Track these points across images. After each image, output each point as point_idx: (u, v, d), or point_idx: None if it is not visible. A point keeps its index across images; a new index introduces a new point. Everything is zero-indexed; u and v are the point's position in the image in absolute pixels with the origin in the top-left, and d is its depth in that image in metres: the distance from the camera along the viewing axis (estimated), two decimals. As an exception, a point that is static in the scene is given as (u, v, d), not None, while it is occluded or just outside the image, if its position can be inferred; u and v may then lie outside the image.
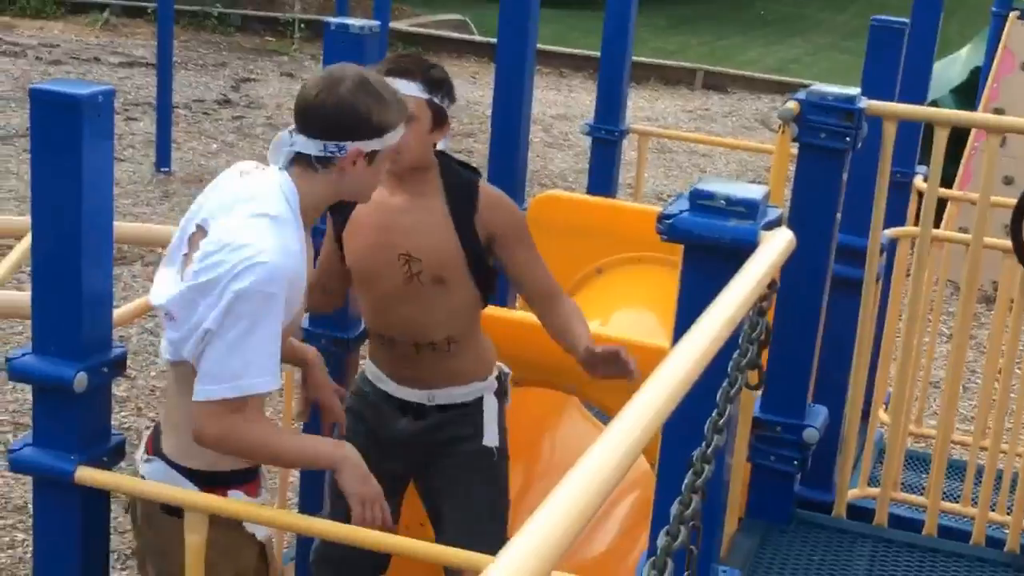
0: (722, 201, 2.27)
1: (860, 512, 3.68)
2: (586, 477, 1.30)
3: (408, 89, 3.01)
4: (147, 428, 5.57)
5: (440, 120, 3.13)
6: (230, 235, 2.59)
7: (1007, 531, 3.47)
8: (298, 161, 2.71)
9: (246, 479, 2.80)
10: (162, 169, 9.30)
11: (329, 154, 2.67)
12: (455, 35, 15.81)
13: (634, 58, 5.62)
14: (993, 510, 3.70)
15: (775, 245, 2.18)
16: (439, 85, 3.13)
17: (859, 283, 3.63)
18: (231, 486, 2.77)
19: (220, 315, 2.52)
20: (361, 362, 3.51)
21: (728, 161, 11.51)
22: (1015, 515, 3.45)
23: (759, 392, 3.34)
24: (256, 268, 2.52)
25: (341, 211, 3.15)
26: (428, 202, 3.15)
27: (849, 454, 3.60)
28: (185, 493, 2.75)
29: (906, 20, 4.20)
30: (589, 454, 1.35)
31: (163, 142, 9.35)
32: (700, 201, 2.28)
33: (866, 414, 3.93)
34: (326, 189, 2.74)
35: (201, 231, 2.69)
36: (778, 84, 14.43)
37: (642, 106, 13.49)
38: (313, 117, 2.68)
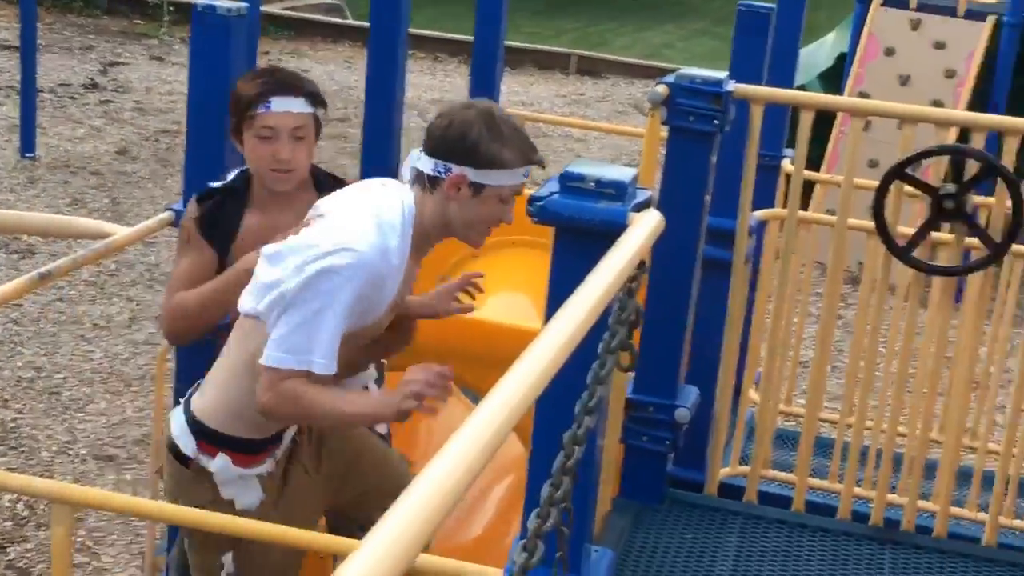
0: (592, 183, 2.29)
1: (732, 490, 3.74)
2: (454, 458, 1.30)
3: (295, 106, 3.02)
4: (12, 420, 5.50)
5: (319, 131, 3.13)
6: (341, 220, 2.73)
7: (872, 505, 3.55)
8: (418, 180, 2.81)
9: (248, 449, 2.88)
10: (27, 155, 9.07)
11: (436, 173, 2.75)
12: (328, 19, 15.65)
13: (508, 43, 5.62)
14: (859, 486, 3.78)
15: (644, 226, 2.21)
16: (318, 98, 3.13)
17: (729, 264, 3.68)
18: (224, 449, 2.86)
19: (301, 285, 2.64)
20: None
21: (603, 146, 11.58)
22: (879, 490, 3.54)
23: (631, 374, 3.38)
24: (348, 253, 2.64)
25: (226, 229, 3.14)
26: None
27: (720, 434, 3.65)
28: (50, 486, 2.73)
29: (772, 6, 4.26)
30: (456, 435, 1.34)
31: (27, 127, 9.11)
32: (570, 183, 2.30)
33: (737, 394, 3.99)
34: (434, 213, 2.80)
35: (319, 218, 2.80)
36: (651, 69, 14.49)
37: (517, 91, 13.51)
38: (431, 134, 2.78)
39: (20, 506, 4.90)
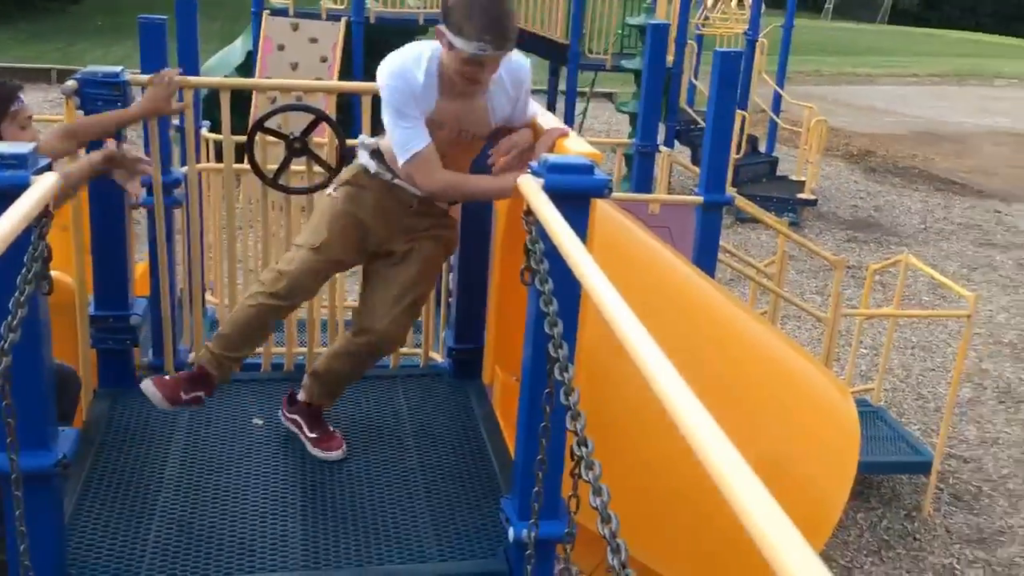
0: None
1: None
2: None
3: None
4: None
5: None
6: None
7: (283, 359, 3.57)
8: None
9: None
10: None
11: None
12: None
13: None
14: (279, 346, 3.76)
15: (41, 184, 2.00)
16: None
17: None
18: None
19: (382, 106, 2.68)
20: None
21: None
22: (287, 347, 3.57)
23: (91, 296, 3.14)
24: (382, 71, 2.65)
25: None
26: None
27: (167, 330, 3.46)
28: None
29: (166, 17, 4.00)
30: None
31: None
32: None
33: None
34: (441, 56, 2.63)
35: None
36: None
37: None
38: None
39: None
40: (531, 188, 2.12)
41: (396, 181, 2.80)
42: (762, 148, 10.90)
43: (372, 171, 2.81)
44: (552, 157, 2.18)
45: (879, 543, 4.70)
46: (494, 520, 2.58)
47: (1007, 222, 10.62)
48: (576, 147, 2.36)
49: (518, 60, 2.73)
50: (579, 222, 2.10)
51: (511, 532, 2.32)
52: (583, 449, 1.61)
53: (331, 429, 2.95)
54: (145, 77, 3.14)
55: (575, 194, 2.14)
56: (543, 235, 2.01)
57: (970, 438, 5.76)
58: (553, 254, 1.91)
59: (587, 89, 11.45)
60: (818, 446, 2.62)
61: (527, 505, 2.21)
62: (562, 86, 10.30)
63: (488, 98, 2.72)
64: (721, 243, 5.77)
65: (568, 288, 1.97)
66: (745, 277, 5.82)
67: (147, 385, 2.81)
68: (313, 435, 2.91)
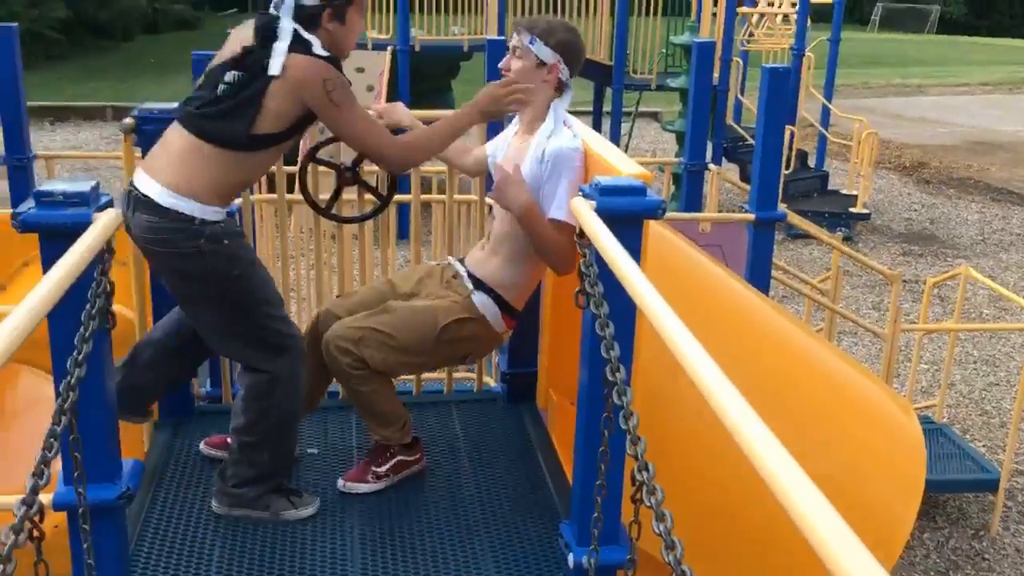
0: (60, 196, 2.09)
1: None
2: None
3: None
4: None
5: None
6: None
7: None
8: None
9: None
10: None
11: None
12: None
13: (56, 103, 5.05)
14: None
15: (102, 221, 2.05)
16: None
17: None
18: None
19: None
20: None
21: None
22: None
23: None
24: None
25: None
26: None
27: (225, 360, 3.50)
28: None
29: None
30: None
31: None
32: (43, 199, 2.09)
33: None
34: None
35: None
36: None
37: (68, 138, 12.39)
38: None
39: None
40: (584, 211, 2.11)
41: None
42: (812, 163, 10.78)
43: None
44: (603, 179, 2.18)
45: (947, 564, 4.59)
46: (553, 546, 2.57)
47: (1068, 231, 10.37)
48: (627, 168, 2.36)
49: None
50: (633, 244, 2.09)
51: (571, 558, 2.30)
52: (644, 474, 1.60)
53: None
54: None
55: (628, 216, 2.14)
56: (597, 258, 2.00)
57: (1038, 453, 5.61)
58: (608, 277, 1.90)
59: (632, 109, 11.43)
60: (883, 465, 2.57)
61: (586, 530, 2.19)
62: (607, 108, 10.31)
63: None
64: (774, 260, 5.73)
65: (624, 310, 1.96)
66: (799, 294, 5.74)
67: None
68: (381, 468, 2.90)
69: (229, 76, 2.50)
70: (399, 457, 2.87)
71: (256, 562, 2.51)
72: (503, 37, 4.95)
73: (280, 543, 2.60)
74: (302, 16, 2.53)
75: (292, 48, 2.48)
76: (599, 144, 2.66)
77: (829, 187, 10.53)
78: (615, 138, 9.82)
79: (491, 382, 3.88)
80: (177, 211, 2.46)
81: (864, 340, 6.92)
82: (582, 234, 2.12)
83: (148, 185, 2.49)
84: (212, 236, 2.47)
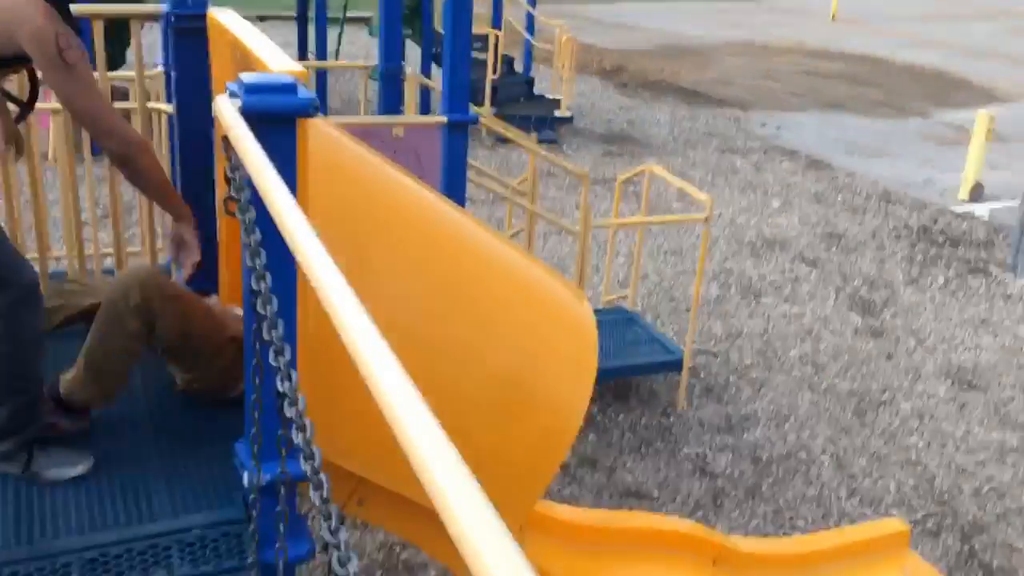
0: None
1: None
2: None
3: None
4: None
5: None
6: None
7: None
8: None
9: None
10: None
11: None
12: None
13: None
14: None
15: None
16: None
17: None
18: None
19: None
20: None
21: None
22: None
23: None
24: None
25: None
26: None
27: None
28: None
29: None
30: None
31: None
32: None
33: None
34: None
35: None
36: None
37: None
38: None
39: None
40: (227, 112, 1.96)
41: None
42: (519, 68, 10.97)
43: None
44: (250, 76, 2.03)
45: (640, 441, 4.93)
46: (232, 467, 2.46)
47: (746, 128, 11.29)
48: (278, 65, 2.21)
49: None
50: (287, 146, 1.98)
51: (245, 477, 2.21)
52: (286, 384, 1.52)
53: None
54: None
55: (278, 116, 2.00)
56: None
57: (718, 333, 6.13)
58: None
59: (340, 16, 11.07)
60: (557, 353, 2.65)
61: (263, 447, 2.10)
62: (312, 13, 9.90)
63: None
64: (477, 164, 5.77)
65: (267, 217, 1.85)
66: (503, 198, 5.85)
67: None
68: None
69: None
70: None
71: None
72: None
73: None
74: None
75: None
76: (253, 40, 2.49)
77: (536, 92, 10.79)
78: (322, 45, 9.47)
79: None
80: None
81: (568, 239, 7.21)
82: (227, 137, 1.97)
83: None
84: None
